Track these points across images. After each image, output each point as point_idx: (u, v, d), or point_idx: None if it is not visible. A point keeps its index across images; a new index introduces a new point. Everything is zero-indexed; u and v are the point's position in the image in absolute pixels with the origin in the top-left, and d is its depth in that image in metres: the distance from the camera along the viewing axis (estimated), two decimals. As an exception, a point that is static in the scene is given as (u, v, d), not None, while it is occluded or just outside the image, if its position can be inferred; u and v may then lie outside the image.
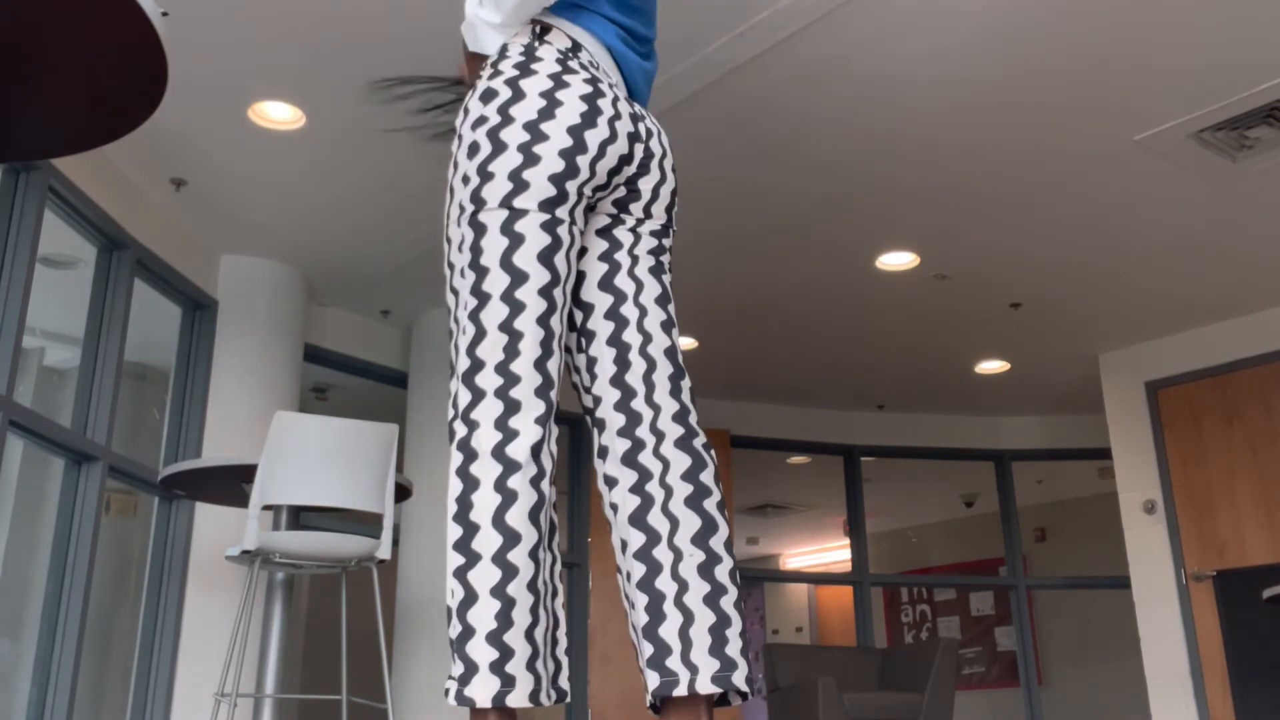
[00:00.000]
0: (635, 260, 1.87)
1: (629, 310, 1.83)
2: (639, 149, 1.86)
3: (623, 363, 1.81)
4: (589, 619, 6.65)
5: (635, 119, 1.87)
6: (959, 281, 5.67)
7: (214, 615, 4.88)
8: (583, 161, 1.77)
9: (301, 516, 4.25)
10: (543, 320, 1.73)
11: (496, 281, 1.72)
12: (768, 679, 6.70)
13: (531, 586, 1.65)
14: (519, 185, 1.74)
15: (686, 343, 6.45)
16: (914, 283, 5.69)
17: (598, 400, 1.82)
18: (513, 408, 1.69)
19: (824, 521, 11.31)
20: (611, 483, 1.78)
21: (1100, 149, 4.46)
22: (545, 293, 1.73)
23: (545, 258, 1.74)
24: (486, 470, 1.66)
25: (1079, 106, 4.17)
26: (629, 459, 1.77)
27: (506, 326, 1.71)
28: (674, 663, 1.66)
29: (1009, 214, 4.99)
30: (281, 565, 3.71)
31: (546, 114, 1.77)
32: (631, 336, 1.82)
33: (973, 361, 6.82)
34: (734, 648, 1.66)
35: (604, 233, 1.88)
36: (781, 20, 3.68)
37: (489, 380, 1.70)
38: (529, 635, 1.63)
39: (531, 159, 1.74)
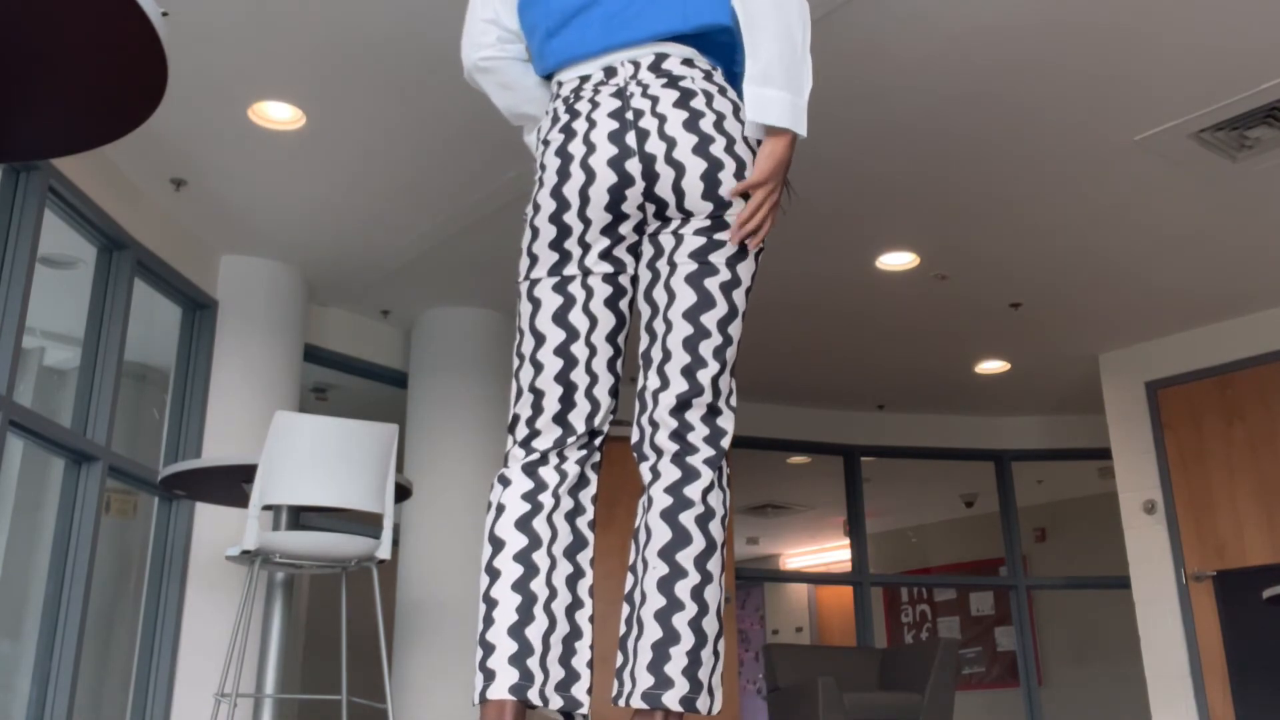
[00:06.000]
0: (674, 268, 1.83)
1: (658, 324, 1.86)
2: (633, 164, 1.79)
3: (646, 376, 1.86)
4: (589, 619, 6.65)
5: (620, 134, 1.80)
6: (959, 281, 5.67)
7: (214, 615, 4.88)
8: (570, 218, 1.82)
9: (301, 516, 4.25)
10: (561, 377, 1.82)
11: (526, 344, 1.86)
12: (767, 679, 6.70)
13: (520, 587, 1.69)
14: (532, 259, 1.87)
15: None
16: (914, 283, 5.69)
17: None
18: (534, 454, 1.84)
19: (824, 521, 11.31)
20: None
21: (1100, 149, 4.46)
22: (561, 351, 1.82)
23: (559, 318, 1.83)
24: (492, 497, 1.81)
25: (1079, 106, 4.17)
26: (640, 471, 1.84)
27: (532, 386, 1.84)
28: (623, 673, 1.68)
29: (1009, 214, 4.98)
30: (281, 565, 3.71)
31: (539, 184, 1.87)
32: (656, 352, 1.85)
33: (973, 361, 6.82)
34: (676, 666, 1.64)
35: (653, 238, 1.87)
36: (781, 20, 3.68)
37: (520, 431, 1.85)
38: (515, 632, 1.66)
39: (534, 231, 1.86)
